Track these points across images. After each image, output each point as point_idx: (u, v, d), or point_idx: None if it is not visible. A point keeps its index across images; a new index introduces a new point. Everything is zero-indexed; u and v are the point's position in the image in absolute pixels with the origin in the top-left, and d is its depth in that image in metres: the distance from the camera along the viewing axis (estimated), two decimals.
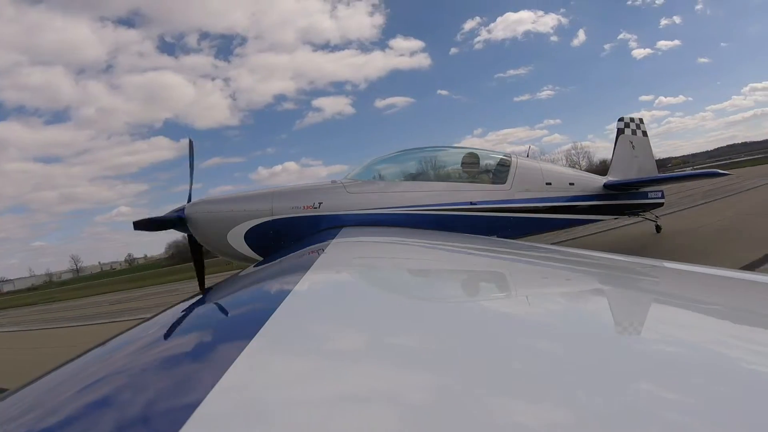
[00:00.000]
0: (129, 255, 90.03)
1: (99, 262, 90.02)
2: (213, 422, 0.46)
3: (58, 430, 0.52)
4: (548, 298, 1.15)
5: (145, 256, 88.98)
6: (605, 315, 0.97)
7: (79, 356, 0.81)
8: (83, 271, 79.73)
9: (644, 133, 7.82)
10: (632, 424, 0.43)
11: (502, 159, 5.39)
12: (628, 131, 7.65)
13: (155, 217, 4.76)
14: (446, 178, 5.28)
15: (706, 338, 0.73)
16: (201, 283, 5.05)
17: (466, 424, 0.43)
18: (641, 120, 7.87)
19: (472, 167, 5.33)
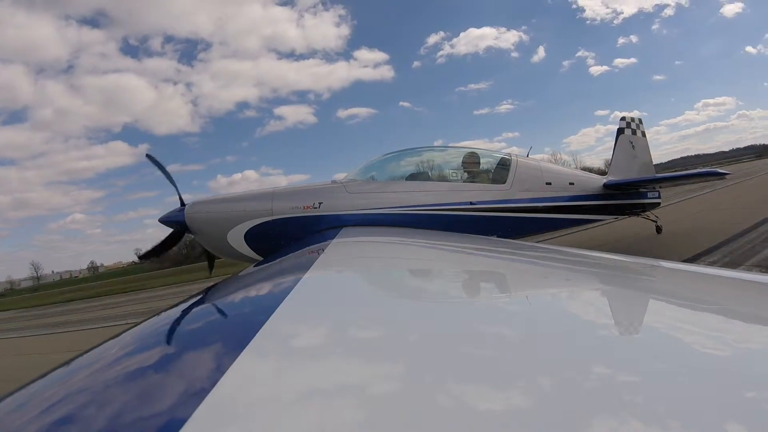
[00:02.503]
0: (92, 262, 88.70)
1: (53, 271, 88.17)
2: (212, 423, 0.46)
3: None
4: (547, 298, 1.15)
5: (102, 264, 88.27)
6: (605, 315, 0.97)
7: (76, 358, 0.81)
8: (42, 279, 76.72)
9: (643, 134, 7.78)
10: (631, 424, 0.43)
11: (502, 159, 5.38)
12: (628, 131, 7.58)
13: (160, 218, 4.83)
14: (446, 177, 5.28)
15: (705, 338, 0.73)
16: (210, 266, 5.50)
17: (466, 423, 0.43)
18: (641, 120, 7.83)
19: (473, 167, 5.33)
